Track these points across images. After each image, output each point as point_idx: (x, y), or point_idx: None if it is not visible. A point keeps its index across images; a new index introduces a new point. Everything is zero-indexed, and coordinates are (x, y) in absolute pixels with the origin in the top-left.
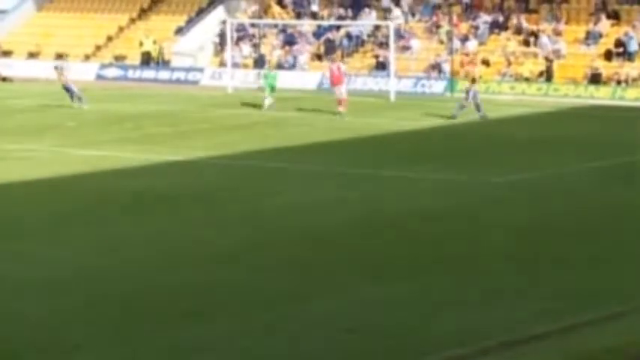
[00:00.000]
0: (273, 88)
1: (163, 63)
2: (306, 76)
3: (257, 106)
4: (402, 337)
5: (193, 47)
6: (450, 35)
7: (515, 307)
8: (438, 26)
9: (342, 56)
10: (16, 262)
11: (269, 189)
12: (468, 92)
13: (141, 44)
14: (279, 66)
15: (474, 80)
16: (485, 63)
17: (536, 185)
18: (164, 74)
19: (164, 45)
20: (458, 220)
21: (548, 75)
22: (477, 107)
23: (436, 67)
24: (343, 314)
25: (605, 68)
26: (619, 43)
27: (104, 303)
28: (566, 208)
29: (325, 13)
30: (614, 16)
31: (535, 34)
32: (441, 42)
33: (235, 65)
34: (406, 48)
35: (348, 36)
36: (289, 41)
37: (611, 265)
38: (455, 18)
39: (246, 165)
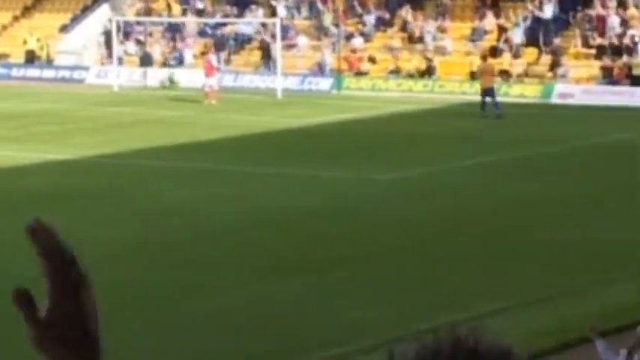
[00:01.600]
0: None
1: (48, 61)
2: (191, 74)
3: (144, 102)
4: (286, 335)
5: (78, 45)
6: (334, 32)
7: (403, 304)
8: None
9: (229, 54)
10: None
11: (155, 188)
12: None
13: (25, 42)
14: (164, 63)
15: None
16: (372, 60)
17: (422, 182)
18: (49, 73)
19: (49, 43)
20: (345, 217)
21: (429, 72)
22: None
23: (322, 64)
24: (233, 311)
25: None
26: (503, 40)
27: None
28: (451, 205)
29: (211, 10)
30: (498, 13)
31: (419, 31)
32: (326, 38)
33: (121, 63)
34: (292, 45)
35: (235, 33)
36: (175, 38)
37: (498, 262)
38: (341, 15)
39: (132, 164)
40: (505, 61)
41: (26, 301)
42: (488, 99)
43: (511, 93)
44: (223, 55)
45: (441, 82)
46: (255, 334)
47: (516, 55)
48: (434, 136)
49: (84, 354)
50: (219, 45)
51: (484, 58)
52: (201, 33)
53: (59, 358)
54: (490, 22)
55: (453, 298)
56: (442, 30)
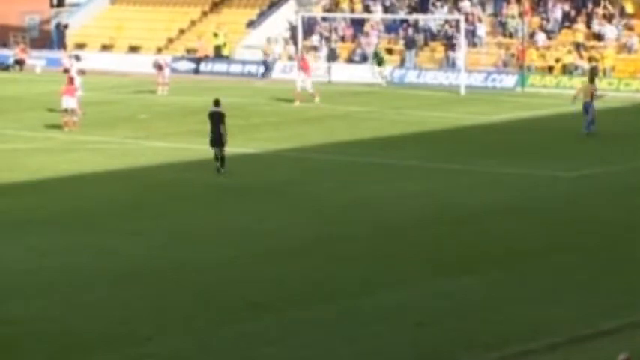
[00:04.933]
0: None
1: (226, 57)
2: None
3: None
4: (470, 331)
5: (264, 40)
6: (519, 29)
7: (585, 302)
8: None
9: (417, 51)
10: (87, 253)
11: (339, 182)
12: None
13: (215, 36)
14: (350, 59)
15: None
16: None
17: (606, 181)
18: (235, 67)
19: (235, 38)
20: (528, 214)
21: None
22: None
23: (506, 61)
24: (413, 307)
25: None
26: None
27: (175, 294)
28: (636, 204)
29: (398, 5)
30: None
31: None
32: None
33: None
34: (476, 42)
35: (416, 29)
36: (358, 34)
37: None
38: (526, 11)
39: (316, 158)
40: None
41: None
42: None
43: None
44: (413, 51)
45: (627, 80)
46: (435, 331)
47: None
48: (618, 134)
49: None
50: (409, 42)
51: None
52: (390, 29)
53: None
54: None
55: (636, 296)
56: (629, 28)
